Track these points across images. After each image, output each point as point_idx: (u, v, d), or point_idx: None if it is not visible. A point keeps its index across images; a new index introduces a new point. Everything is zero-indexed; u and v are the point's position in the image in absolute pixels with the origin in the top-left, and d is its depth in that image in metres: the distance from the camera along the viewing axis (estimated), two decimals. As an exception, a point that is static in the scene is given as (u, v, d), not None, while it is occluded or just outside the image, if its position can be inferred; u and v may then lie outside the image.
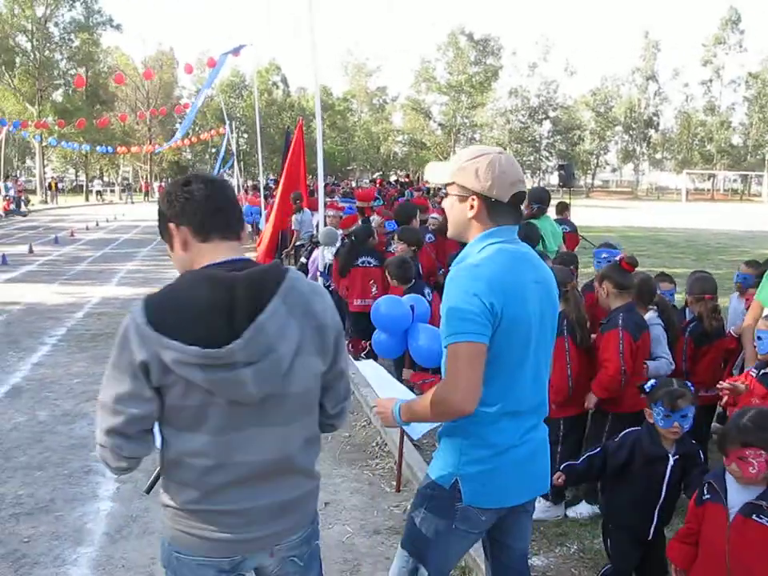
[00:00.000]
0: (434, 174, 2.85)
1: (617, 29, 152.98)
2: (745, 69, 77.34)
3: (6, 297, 13.39)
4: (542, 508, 4.65)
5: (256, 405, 2.08)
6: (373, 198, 11.76)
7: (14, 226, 31.95)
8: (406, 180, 33.63)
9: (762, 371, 4.14)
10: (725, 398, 4.18)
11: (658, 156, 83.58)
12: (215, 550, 2.16)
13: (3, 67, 53.95)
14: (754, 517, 2.91)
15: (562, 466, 3.80)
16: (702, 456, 3.67)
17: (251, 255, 2.66)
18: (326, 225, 8.52)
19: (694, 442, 3.72)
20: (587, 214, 35.17)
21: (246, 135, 70.54)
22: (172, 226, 2.19)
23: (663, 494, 3.58)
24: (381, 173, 72.41)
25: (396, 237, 7.65)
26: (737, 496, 2.99)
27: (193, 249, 2.19)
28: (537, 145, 78.66)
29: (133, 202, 56.78)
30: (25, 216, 38.48)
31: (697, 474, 3.50)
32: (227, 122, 30.84)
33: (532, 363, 2.61)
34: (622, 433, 3.82)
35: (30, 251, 20.83)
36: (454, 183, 2.65)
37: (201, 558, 2.17)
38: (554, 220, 10.51)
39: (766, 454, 2.90)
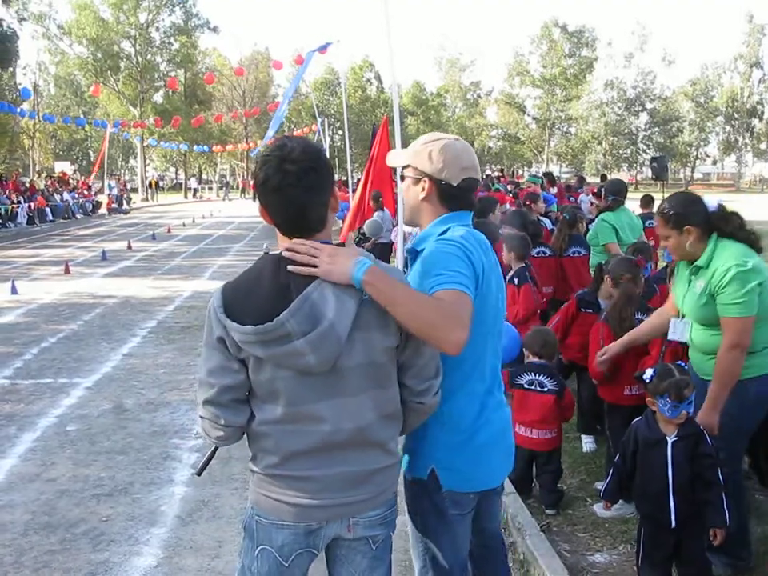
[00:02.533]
0: (394, 157, 2.97)
1: (717, 14, 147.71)
2: None
3: (103, 290, 13.99)
4: (615, 506, 4.57)
5: (324, 377, 2.19)
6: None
7: (115, 224, 33.21)
8: (499, 175, 33.32)
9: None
10: None
11: (763, 146, 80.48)
12: (292, 514, 2.28)
13: (109, 72, 56.03)
14: None
15: (601, 493, 3.89)
16: (708, 439, 3.55)
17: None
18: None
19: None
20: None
21: (340, 132, 71.28)
22: None
23: (670, 478, 3.52)
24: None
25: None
26: None
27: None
28: (633, 137, 76.68)
29: (230, 199, 58.05)
30: (126, 213, 39.94)
31: (706, 465, 3.49)
32: (318, 119, 31.24)
33: (491, 344, 2.67)
34: (631, 423, 3.85)
35: (129, 247, 21.66)
36: (409, 166, 2.72)
37: (278, 521, 2.30)
38: (640, 214, 10.36)
39: None
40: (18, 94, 40.82)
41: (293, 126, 64.05)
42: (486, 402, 2.66)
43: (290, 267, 2.18)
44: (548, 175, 19.14)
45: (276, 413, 2.23)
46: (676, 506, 3.53)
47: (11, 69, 43.83)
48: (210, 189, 74.57)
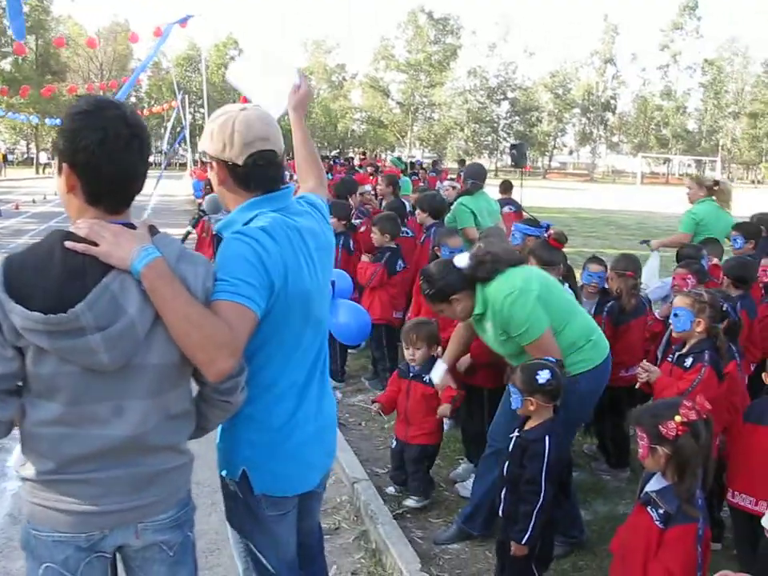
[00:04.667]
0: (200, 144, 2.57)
1: (577, 11, 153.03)
2: (701, 55, 78.29)
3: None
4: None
5: (113, 375, 1.96)
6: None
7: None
8: (362, 157, 33.37)
9: (678, 353, 4.11)
10: (638, 383, 4.12)
11: (615, 139, 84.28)
12: (71, 524, 2.03)
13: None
14: (648, 508, 2.86)
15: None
16: (541, 450, 3.47)
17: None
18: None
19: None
20: (542, 195, 35.30)
21: (201, 110, 69.67)
22: None
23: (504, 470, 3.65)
24: (338, 150, 72.02)
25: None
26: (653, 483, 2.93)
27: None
28: (495, 125, 78.70)
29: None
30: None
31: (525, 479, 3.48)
32: (178, 96, 30.35)
33: (311, 334, 2.50)
34: None
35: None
36: (204, 150, 2.44)
37: (57, 534, 2.04)
38: (499, 200, 10.50)
39: (647, 438, 2.84)
40: None
41: (152, 102, 61.97)
42: (304, 396, 2.49)
43: (66, 243, 1.92)
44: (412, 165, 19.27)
45: (53, 412, 1.96)
46: (504, 495, 3.57)
47: None
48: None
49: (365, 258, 6.92)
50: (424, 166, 25.45)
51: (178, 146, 37.76)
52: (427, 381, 4.56)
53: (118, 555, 2.22)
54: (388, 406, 4.79)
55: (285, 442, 2.44)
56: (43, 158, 64.40)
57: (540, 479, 3.39)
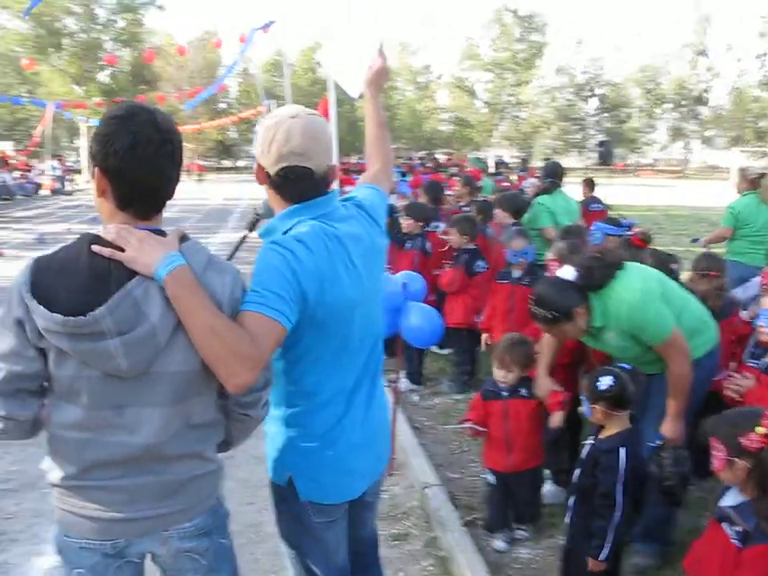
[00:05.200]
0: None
1: (667, 3, 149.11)
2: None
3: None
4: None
5: (133, 381, 1.95)
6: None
7: (57, 205, 32.37)
8: (448, 159, 33.24)
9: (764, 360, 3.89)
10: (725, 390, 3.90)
11: (709, 134, 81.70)
12: (96, 530, 2.04)
13: (52, 49, 54.67)
14: (723, 525, 2.67)
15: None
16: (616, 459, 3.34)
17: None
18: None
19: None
20: (631, 192, 34.47)
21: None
22: None
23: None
24: (425, 151, 72.04)
25: (404, 211, 7.47)
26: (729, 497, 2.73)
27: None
28: (583, 123, 77.27)
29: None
30: (69, 195, 38.99)
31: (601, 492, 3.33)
32: (263, 100, 30.80)
33: (357, 337, 2.42)
34: None
35: (68, 230, 21.07)
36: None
37: (84, 541, 2.05)
38: (583, 199, 10.30)
39: (725, 449, 2.65)
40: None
41: (241, 108, 63.16)
42: (351, 403, 2.43)
43: (93, 247, 1.93)
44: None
45: (75, 415, 1.97)
46: (574, 504, 3.44)
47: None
48: (158, 170, 73.25)
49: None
50: (509, 165, 25.22)
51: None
52: (526, 394, 4.14)
53: (150, 561, 2.22)
54: (479, 425, 4.21)
55: (330, 448, 2.40)
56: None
57: (614, 493, 3.24)
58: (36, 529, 4.41)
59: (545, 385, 4.10)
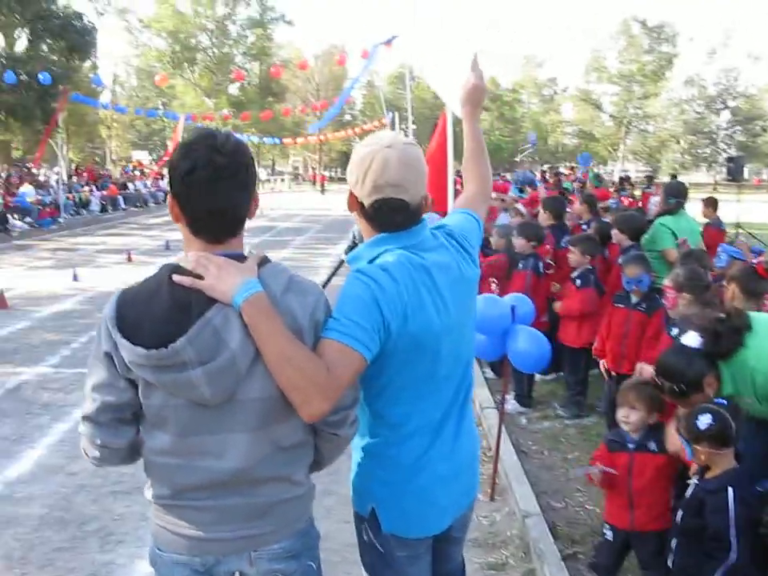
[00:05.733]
0: None
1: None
2: None
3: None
4: None
5: (218, 409, 1.98)
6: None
7: (185, 213, 33.55)
8: (569, 172, 32.64)
9: None
10: None
11: None
12: (187, 547, 2.08)
13: (186, 64, 56.99)
14: None
15: None
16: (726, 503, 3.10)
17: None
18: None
19: None
20: (766, 211, 32.93)
21: (414, 126, 71.01)
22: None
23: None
24: (549, 165, 71.05)
25: (516, 231, 7.37)
26: None
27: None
28: (713, 137, 74.55)
29: (300, 191, 58.36)
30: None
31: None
32: (385, 113, 31.11)
33: (443, 371, 2.35)
34: None
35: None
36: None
37: (175, 556, 2.10)
38: (707, 223, 9.93)
39: None
40: (102, 86, 41.91)
41: (365, 119, 64.01)
42: (438, 435, 2.37)
43: (174, 277, 1.95)
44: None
45: (164, 442, 2.02)
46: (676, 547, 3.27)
47: (92, 60, 44.86)
48: (282, 180, 75.21)
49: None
50: (632, 181, 24.55)
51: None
52: (655, 448, 3.76)
53: None
54: (602, 480, 3.83)
55: (414, 481, 2.35)
56: (263, 174, 68.22)
57: (728, 535, 3.04)
58: (142, 532, 4.56)
59: (672, 436, 3.67)
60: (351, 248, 2.74)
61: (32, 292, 12.88)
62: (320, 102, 47.40)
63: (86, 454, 2.14)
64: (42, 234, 23.89)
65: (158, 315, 1.94)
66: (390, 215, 2.28)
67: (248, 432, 2.02)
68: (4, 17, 34.23)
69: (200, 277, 1.94)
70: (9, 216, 24.24)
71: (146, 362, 1.91)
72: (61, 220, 26.89)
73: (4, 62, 33.13)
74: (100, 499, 5.03)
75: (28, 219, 25.30)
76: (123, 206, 34.19)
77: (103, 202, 32.52)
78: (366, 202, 2.28)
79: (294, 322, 2.00)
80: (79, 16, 36.33)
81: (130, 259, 16.67)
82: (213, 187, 1.95)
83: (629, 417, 3.81)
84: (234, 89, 61.66)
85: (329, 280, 2.90)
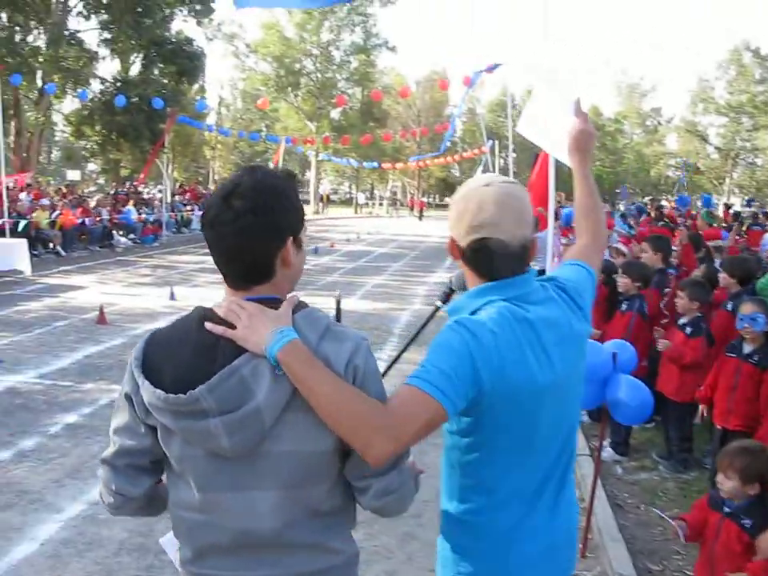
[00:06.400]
0: None
1: None
2: None
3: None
4: None
5: (241, 463, 1.83)
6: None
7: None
8: (673, 207, 31.59)
9: None
10: None
11: None
12: None
13: (290, 88, 58.23)
14: None
15: None
16: None
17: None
18: (558, 254, 8.14)
19: None
20: None
21: (515, 154, 70.59)
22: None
23: None
24: (651, 197, 69.48)
25: (621, 269, 7.08)
26: None
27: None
28: (827, 172, 71.64)
29: (398, 216, 58.68)
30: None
31: None
32: (486, 140, 30.98)
33: (542, 435, 2.14)
34: None
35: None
36: None
37: None
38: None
39: None
40: (206, 110, 43.19)
41: (465, 146, 64.03)
42: (533, 506, 2.16)
43: (206, 324, 1.84)
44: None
45: (187, 494, 1.88)
46: None
47: (200, 84, 46.34)
48: (381, 204, 75.80)
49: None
50: (742, 216, 23.64)
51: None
52: (748, 525, 3.49)
53: None
54: (692, 532, 3.72)
55: (504, 555, 2.15)
56: (361, 198, 69.02)
57: None
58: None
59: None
60: (447, 295, 2.59)
61: (130, 308, 13.19)
62: (420, 128, 47.56)
63: (102, 499, 2.02)
64: (144, 250, 24.61)
65: (182, 360, 1.84)
66: (488, 257, 2.13)
67: (276, 490, 1.85)
68: (122, 43, 35.66)
69: (232, 325, 1.83)
70: (114, 232, 25.12)
71: (165, 406, 1.80)
72: (163, 238, 27.68)
73: (118, 85, 34.54)
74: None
75: (132, 236, 26.17)
76: (223, 225, 34.96)
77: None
78: (463, 244, 2.15)
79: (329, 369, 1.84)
80: (190, 41, 37.54)
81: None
82: (215, 233, 1.85)
83: (723, 483, 3.59)
84: (335, 113, 62.59)
85: (423, 327, 2.75)
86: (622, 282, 6.82)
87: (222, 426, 1.77)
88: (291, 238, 1.88)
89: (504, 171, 51.87)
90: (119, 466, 1.93)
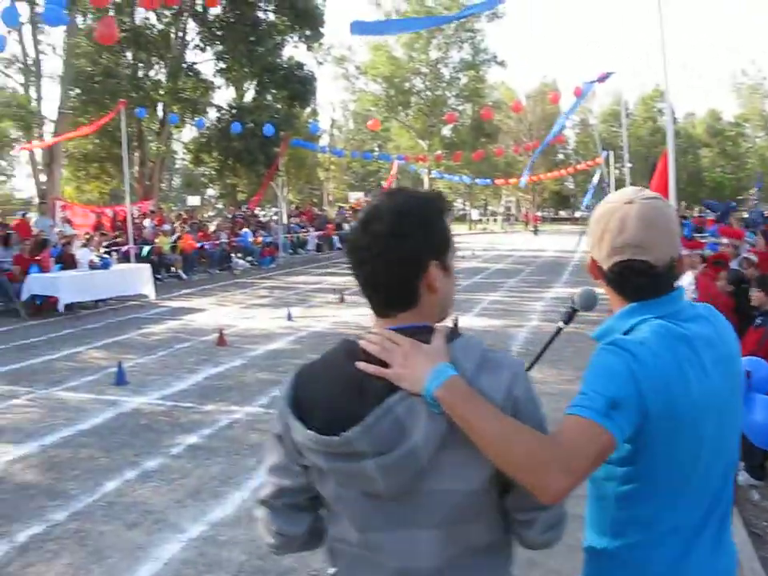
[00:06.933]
0: None
1: None
2: None
3: (370, 322, 14.10)
4: None
5: (398, 502, 1.74)
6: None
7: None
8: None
9: None
10: None
11: None
12: None
13: (400, 107, 58.71)
14: None
15: None
16: None
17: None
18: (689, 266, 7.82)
19: None
20: None
21: (631, 164, 68.93)
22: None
23: None
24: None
25: (754, 283, 6.69)
26: None
27: None
28: None
29: (512, 232, 58.16)
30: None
31: None
32: (600, 151, 30.33)
33: (703, 465, 1.94)
34: None
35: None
36: None
37: None
38: None
39: None
40: (318, 132, 44.07)
41: (579, 158, 62.94)
42: (692, 544, 1.95)
43: (358, 364, 1.74)
44: None
45: (345, 531, 1.81)
46: None
47: (312, 107, 47.30)
48: (495, 220, 75.35)
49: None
50: None
51: (594, 203, 37.64)
52: None
53: None
54: None
55: None
56: (475, 214, 68.79)
57: None
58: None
59: None
60: (570, 315, 2.46)
61: (249, 330, 13.46)
62: (533, 141, 47.06)
63: (264, 540, 1.97)
64: (262, 272, 25.21)
65: (332, 398, 1.76)
66: (633, 280, 1.99)
67: (435, 528, 1.76)
68: (236, 72, 36.79)
69: (384, 362, 1.74)
70: (232, 255, 25.80)
71: (318, 447, 1.73)
72: (279, 259, 28.24)
73: (234, 112, 35.61)
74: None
75: (249, 258, 26.83)
76: (338, 245, 35.46)
77: (319, 242, 33.87)
78: (605, 266, 2.01)
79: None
80: (301, 66, 38.37)
81: (342, 299, 17.05)
82: (355, 258, 1.79)
83: None
84: (447, 130, 62.66)
85: (546, 348, 2.62)
86: (756, 295, 6.46)
87: (377, 468, 1.69)
88: (435, 262, 1.78)
89: (620, 183, 50.78)
90: (277, 506, 1.89)
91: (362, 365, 1.74)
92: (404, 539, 1.76)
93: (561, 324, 2.68)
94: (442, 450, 1.70)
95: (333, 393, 1.76)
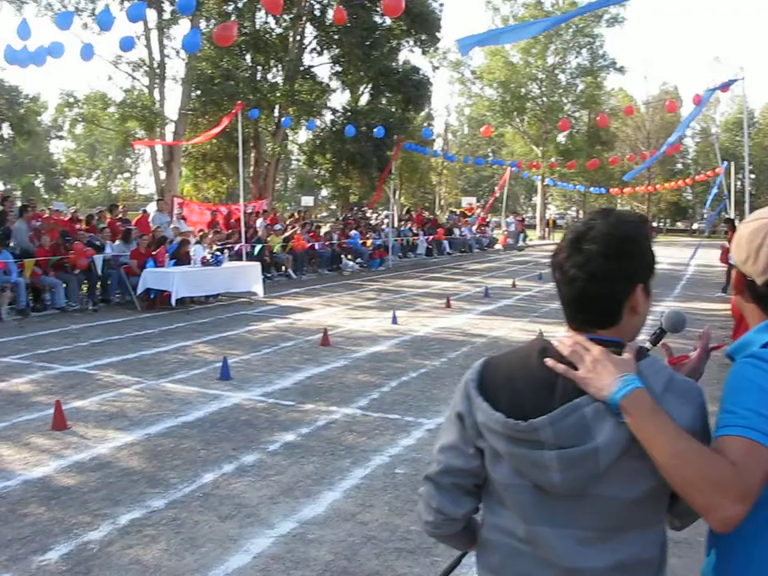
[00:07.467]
0: None
1: None
2: None
3: (475, 328, 14.14)
4: None
5: (565, 501, 1.79)
6: None
7: (507, 260, 34.01)
8: None
9: None
10: None
11: None
12: None
13: (515, 113, 58.18)
14: None
15: None
16: None
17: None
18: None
19: None
20: None
21: (753, 175, 66.28)
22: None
23: None
24: None
25: None
26: None
27: None
28: None
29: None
30: (521, 251, 40.76)
31: None
32: (720, 161, 29.23)
33: None
34: None
35: (513, 285, 21.92)
36: (731, 254, 2.07)
37: None
38: None
39: None
40: (433, 135, 44.11)
41: (698, 168, 60.92)
42: None
43: (546, 361, 1.83)
44: None
45: (509, 521, 1.87)
46: None
47: (426, 111, 47.39)
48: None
49: None
50: None
51: (717, 215, 36.17)
52: None
53: None
54: None
55: None
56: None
57: None
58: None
59: None
60: (657, 337, 2.36)
61: (353, 331, 13.58)
62: (650, 151, 45.82)
63: (420, 517, 2.05)
64: (370, 274, 25.45)
65: (520, 388, 1.86)
66: None
67: (597, 531, 1.80)
68: (352, 75, 37.24)
69: (573, 365, 1.81)
70: (342, 256, 26.10)
71: (501, 430, 1.81)
72: (389, 262, 28.41)
73: (348, 115, 36.04)
74: (384, 554, 4.93)
75: (359, 260, 27.08)
76: (448, 250, 35.42)
77: (429, 246, 33.91)
78: (760, 280, 1.96)
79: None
80: (416, 70, 38.46)
81: (448, 305, 17.00)
82: (573, 278, 1.82)
83: None
84: (562, 137, 61.74)
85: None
86: None
87: (557, 461, 1.76)
88: (642, 285, 1.84)
89: (741, 194, 48.86)
90: (444, 484, 1.96)
91: (550, 362, 1.82)
92: (570, 538, 1.80)
93: (648, 345, 2.60)
94: (621, 458, 1.74)
95: (521, 383, 1.85)
